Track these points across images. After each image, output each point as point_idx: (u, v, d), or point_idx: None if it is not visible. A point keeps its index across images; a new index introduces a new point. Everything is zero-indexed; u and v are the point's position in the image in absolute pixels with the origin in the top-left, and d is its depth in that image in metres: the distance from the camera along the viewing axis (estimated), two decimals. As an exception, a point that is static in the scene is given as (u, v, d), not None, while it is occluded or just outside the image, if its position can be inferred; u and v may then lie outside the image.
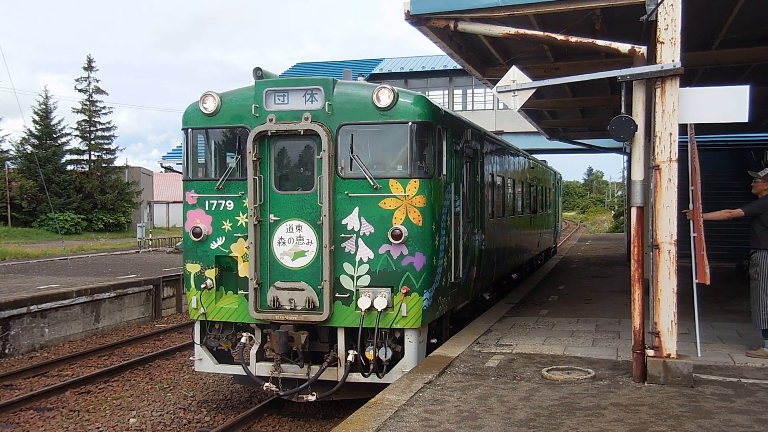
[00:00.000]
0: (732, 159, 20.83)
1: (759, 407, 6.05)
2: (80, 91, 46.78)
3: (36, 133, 45.51)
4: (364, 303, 7.89)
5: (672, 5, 6.58)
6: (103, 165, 47.30)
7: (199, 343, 8.79)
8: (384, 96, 7.86)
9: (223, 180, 8.44)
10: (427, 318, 8.20)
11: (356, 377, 8.04)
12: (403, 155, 8.03)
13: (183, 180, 8.82)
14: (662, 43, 6.63)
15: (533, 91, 7.44)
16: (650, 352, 6.82)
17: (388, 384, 7.14)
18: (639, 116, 6.85)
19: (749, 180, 8.48)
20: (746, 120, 6.75)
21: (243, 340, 8.48)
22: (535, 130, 22.05)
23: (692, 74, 11.96)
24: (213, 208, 8.53)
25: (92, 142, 47.13)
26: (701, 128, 7.37)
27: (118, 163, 49.13)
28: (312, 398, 8.19)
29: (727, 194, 15.24)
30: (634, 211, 7.00)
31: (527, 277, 17.30)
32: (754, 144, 21.12)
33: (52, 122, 46.20)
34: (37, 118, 45.59)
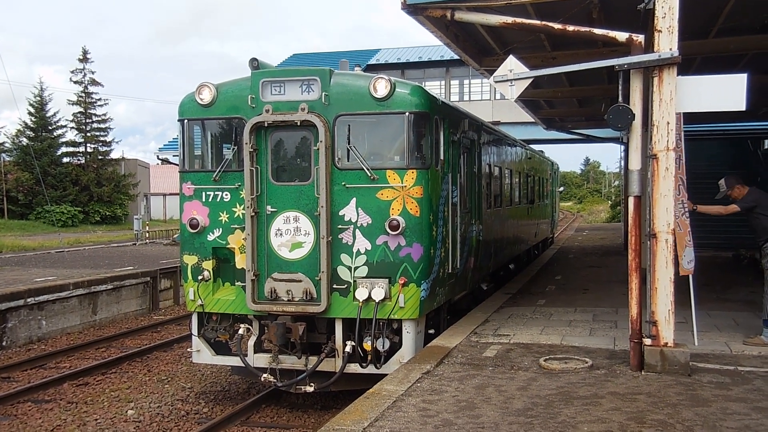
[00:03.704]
0: (729, 148, 20.82)
1: (756, 395, 6.07)
2: (76, 83, 46.62)
3: (32, 125, 45.30)
4: (361, 294, 7.88)
5: (670, -7, 6.56)
6: (99, 157, 47.17)
7: (196, 334, 8.78)
8: (381, 86, 7.83)
9: (219, 171, 8.41)
10: (425, 308, 8.21)
11: (354, 368, 8.05)
12: (400, 146, 8.00)
13: (179, 171, 8.79)
14: (660, 31, 6.61)
15: (530, 80, 7.42)
16: (647, 341, 6.84)
17: (386, 374, 7.15)
18: (636, 105, 6.83)
19: (746, 169, 8.49)
20: (744, 108, 6.75)
21: (241, 331, 8.48)
22: (532, 120, 22.01)
23: (689, 63, 11.92)
24: (210, 200, 8.50)
25: (88, 134, 46.97)
26: (698, 117, 7.36)
27: (114, 155, 49.06)
28: (310, 389, 8.20)
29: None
30: (631, 201, 7.00)
31: (525, 268, 17.32)
32: (751, 133, 21.11)
33: (48, 114, 46.01)
34: (32, 110, 45.40)
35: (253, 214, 8.18)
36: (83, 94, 46.58)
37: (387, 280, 7.93)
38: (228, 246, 8.44)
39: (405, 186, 7.85)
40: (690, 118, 7.73)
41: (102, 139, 47.79)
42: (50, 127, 46.00)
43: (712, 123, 18.93)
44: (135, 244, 29.55)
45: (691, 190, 7.78)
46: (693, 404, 5.82)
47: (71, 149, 47.12)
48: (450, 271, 8.99)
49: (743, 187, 8.23)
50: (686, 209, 7.36)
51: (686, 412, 5.60)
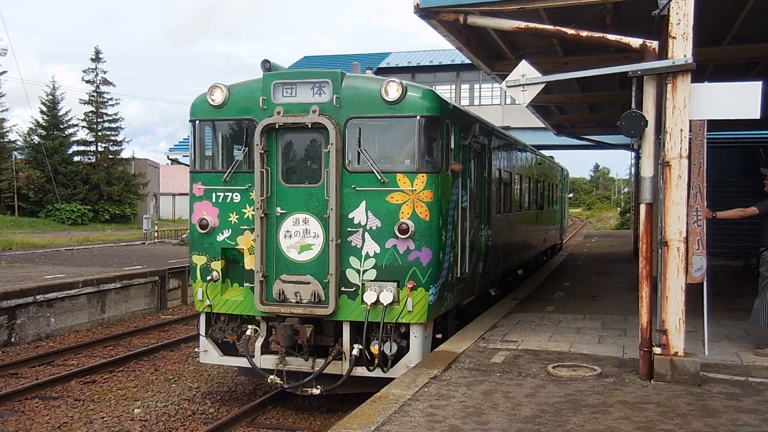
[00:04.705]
0: (740, 156, 20.69)
1: (767, 407, 6.00)
2: (88, 82, 46.91)
3: (43, 124, 45.64)
4: (369, 297, 7.86)
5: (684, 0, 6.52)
6: (110, 156, 47.44)
7: (204, 334, 8.79)
8: (392, 89, 7.82)
9: (230, 172, 8.42)
10: (433, 313, 8.18)
11: (361, 371, 8.03)
12: (410, 149, 7.99)
13: (190, 172, 8.81)
14: (674, 38, 6.57)
15: (543, 85, 7.39)
16: (657, 350, 6.78)
17: (393, 378, 7.12)
18: (649, 112, 6.79)
19: (758, 177, 8.41)
20: (758, 117, 6.70)
21: (248, 332, 8.48)
22: (543, 125, 21.97)
23: (703, 70, 11.88)
24: (220, 200, 8.51)
25: (99, 133, 47.25)
26: (710, 125, 7.31)
27: (124, 154, 49.34)
28: (316, 391, 8.19)
29: (736, 192, 15.16)
30: (643, 208, 6.95)
31: (533, 274, 17.26)
32: (763, 141, 20.97)
33: (60, 113, 46.33)
34: (44, 108, 45.71)
35: (262, 215, 8.18)
36: (95, 94, 46.89)
37: (395, 283, 7.91)
38: (237, 247, 8.45)
39: (415, 190, 7.83)
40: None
41: (113, 138, 48.07)
42: (62, 126, 46.31)
43: (723, 131, 18.84)
44: (144, 243, 29.66)
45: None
46: (703, 415, 5.77)
47: (82, 148, 47.42)
48: (458, 275, 8.96)
49: None
50: (700, 217, 7.31)
51: (696, 423, 5.55)
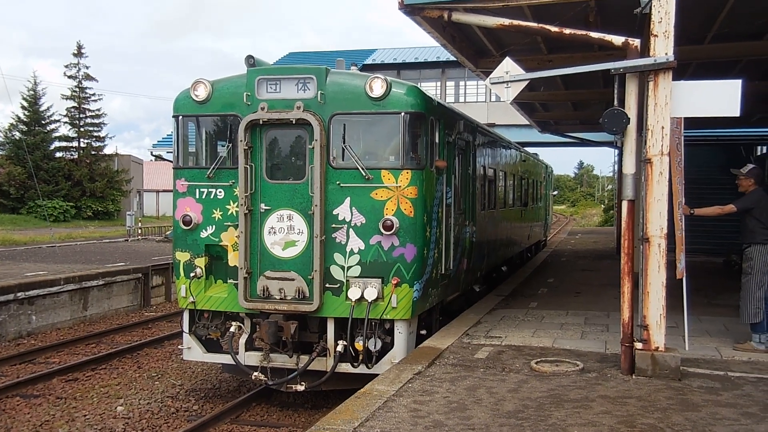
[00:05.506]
0: (722, 154, 20.92)
1: (745, 400, 6.09)
2: (70, 77, 46.44)
3: (24, 119, 45.10)
4: (354, 293, 7.87)
5: (666, -2, 6.58)
6: (93, 152, 47.00)
7: (187, 331, 8.75)
8: (377, 86, 7.82)
9: (213, 168, 8.38)
10: (417, 309, 8.20)
11: (345, 368, 8.03)
12: (395, 146, 7.99)
13: (173, 168, 8.75)
14: (656, 36, 6.63)
15: (526, 82, 7.42)
16: (639, 345, 6.85)
17: (378, 375, 7.14)
18: (632, 109, 6.85)
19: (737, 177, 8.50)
20: (737, 114, 6.77)
21: (232, 329, 8.44)
22: (527, 122, 22.06)
23: (684, 68, 11.98)
24: (203, 197, 8.47)
25: (81, 129, 46.79)
26: (692, 123, 7.38)
27: (107, 150, 48.91)
28: (301, 388, 8.18)
29: (717, 190, 15.31)
30: (625, 205, 7.01)
31: (517, 270, 17.35)
32: (744, 139, 21.23)
33: (41, 108, 45.82)
34: (26, 103, 45.17)
35: (246, 211, 8.15)
36: (77, 89, 46.42)
37: (380, 280, 7.92)
38: (221, 243, 8.42)
39: (399, 186, 7.84)
40: (684, 123, 7.73)
41: (95, 134, 47.63)
42: (43, 122, 45.80)
43: (705, 129, 19.06)
44: (127, 240, 29.45)
45: (685, 195, 7.79)
46: (683, 409, 5.84)
47: (64, 144, 46.93)
48: (443, 272, 8.98)
49: (753, 185, 8.12)
50: (680, 213, 7.38)
51: (676, 417, 5.62)
